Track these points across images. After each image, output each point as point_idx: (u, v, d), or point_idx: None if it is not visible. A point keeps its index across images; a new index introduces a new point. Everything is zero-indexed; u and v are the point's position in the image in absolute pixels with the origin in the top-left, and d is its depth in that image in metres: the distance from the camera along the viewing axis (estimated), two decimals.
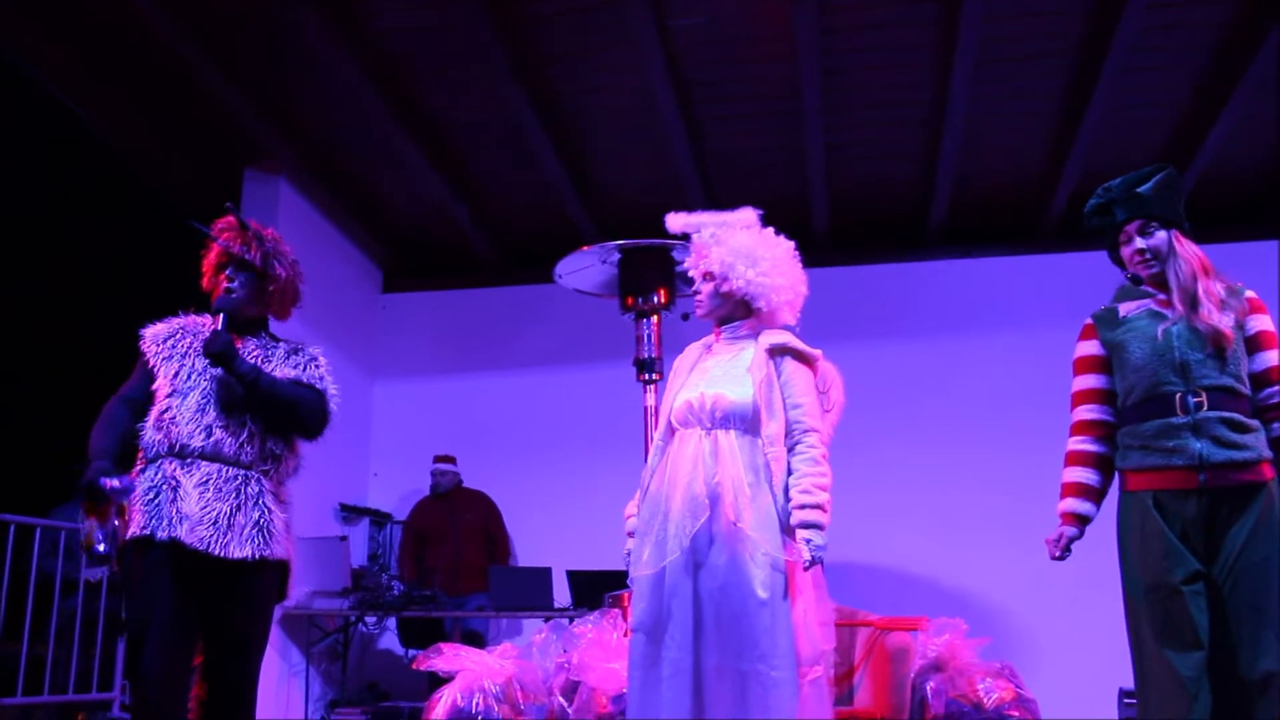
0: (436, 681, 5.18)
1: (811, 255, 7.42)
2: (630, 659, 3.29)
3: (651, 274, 5.13)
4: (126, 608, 3.35)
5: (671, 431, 3.45)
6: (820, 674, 3.27)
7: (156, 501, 3.26)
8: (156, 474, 3.30)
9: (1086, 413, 3.40)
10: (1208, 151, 6.46)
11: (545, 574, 6.59)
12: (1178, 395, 3.14)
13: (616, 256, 5.19)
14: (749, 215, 3.59)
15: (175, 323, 3.54)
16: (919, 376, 7.32)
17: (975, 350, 7.30)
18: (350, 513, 7.65)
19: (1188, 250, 3.28)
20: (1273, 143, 6.56)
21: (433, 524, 7.37)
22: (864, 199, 7.42)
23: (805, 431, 3.32)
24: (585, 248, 5.25)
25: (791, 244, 3.55)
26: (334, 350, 7.44)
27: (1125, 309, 3.35)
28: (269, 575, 3.44)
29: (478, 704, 4.72)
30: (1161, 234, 3.30)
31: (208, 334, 3.41)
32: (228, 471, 3.35)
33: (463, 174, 7.28)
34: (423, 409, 8.06)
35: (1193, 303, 3.18)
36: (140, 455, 3.38)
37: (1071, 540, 3.38)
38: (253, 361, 3.44)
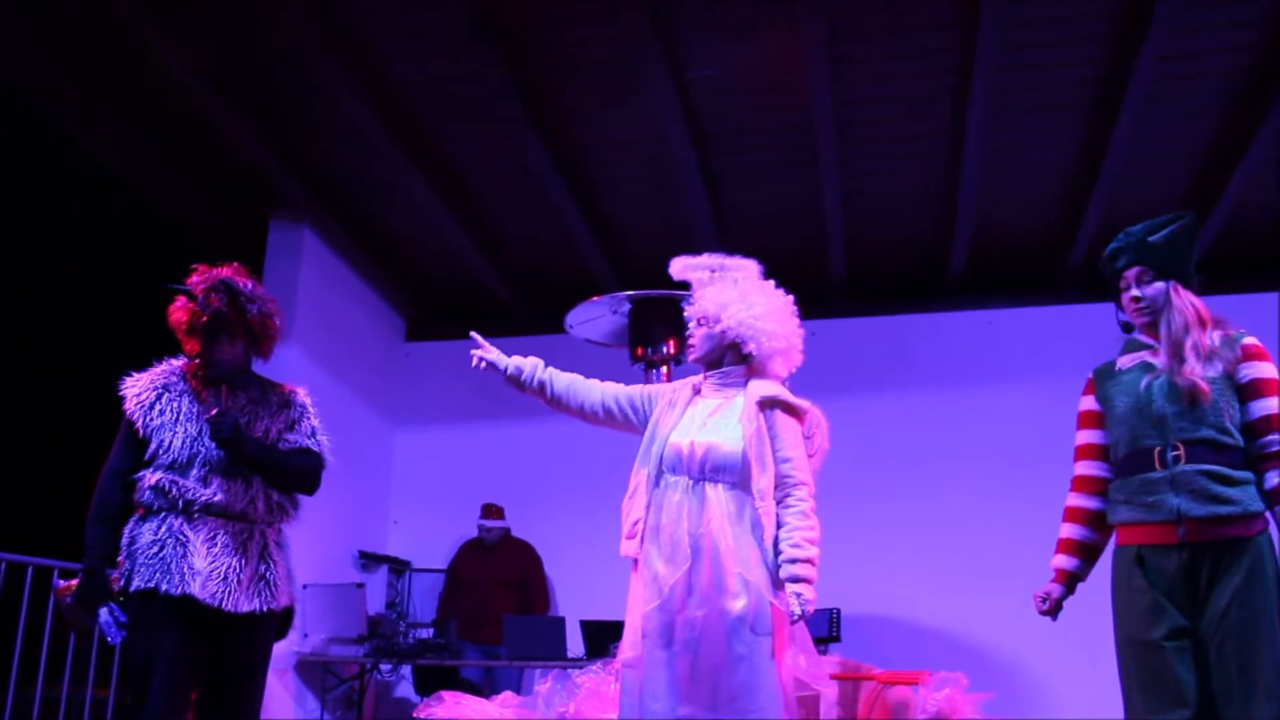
0: None
1: (828, 305, 7.47)
2: (621, 700, 3.28)
3: (661, 325, 5.13)
4: (126, 656, 3.39)
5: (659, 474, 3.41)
6: None
7: (162, 556, 3.29)
8: (161, 528, 3.33)
9: (1083, 468, 3.39)
10: (1227, 200, 6.41)
11: (559, 623, 6.55)
12: (1156, 450, 3.11)
13: (627, 307, 5.21)
14: (751, 264, 3.61)
15: (156, 378, 3.53)
16: (935, 427, 7.26)
17: (992, 401, 7.24)
18: (369, 560, 7.66)
19: (1183, 302, 3.22)
20: None
21: (466, 569, 7.37)
22: (881, 249, 7.42)
23: (795, 485, 3.30)
24: (595, 298, 5.27)
25: (791, 298, 3.53)
26: (356, 397, 7.64)
27: (1123, 362, 3.33)
28: (271, 624, 3.50)
29: None
30: (1159, 284, 3.25)
31: (205, 403, 3.46)
32: (234, 526, 3.40)
33: (483, 224, 7.35)
34: (444, 457, 8.09)
35: (1179, 356, 3.14)
36: (138, 507, 3.41)
37: (1056, 597, 3.37)
38: (247, 420, 3.48)
